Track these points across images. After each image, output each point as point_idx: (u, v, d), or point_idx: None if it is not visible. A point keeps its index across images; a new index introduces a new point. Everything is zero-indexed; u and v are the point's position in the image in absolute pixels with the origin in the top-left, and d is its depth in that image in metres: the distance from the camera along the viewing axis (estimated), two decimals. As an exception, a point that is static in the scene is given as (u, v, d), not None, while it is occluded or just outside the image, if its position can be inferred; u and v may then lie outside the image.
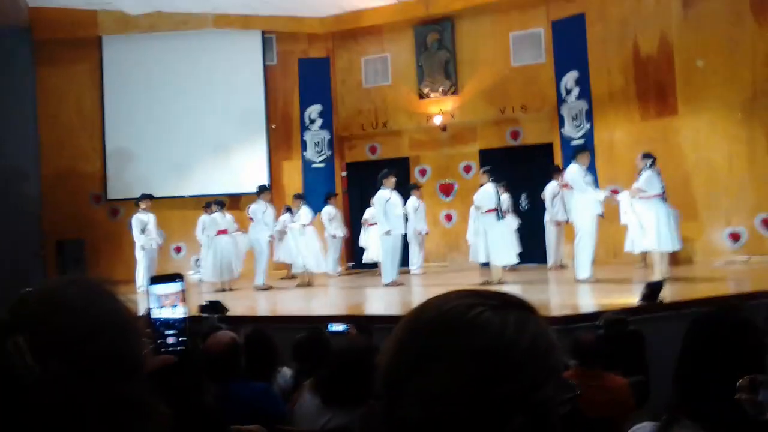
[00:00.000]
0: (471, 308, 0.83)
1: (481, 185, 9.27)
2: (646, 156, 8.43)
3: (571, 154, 9.14)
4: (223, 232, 10.83)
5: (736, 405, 1.54)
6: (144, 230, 11.11)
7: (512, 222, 10.31)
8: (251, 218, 10.65)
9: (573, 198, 8.61)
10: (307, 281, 10.57)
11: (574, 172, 8.51)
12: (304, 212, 10.98)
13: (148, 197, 11.34)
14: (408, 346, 0.83)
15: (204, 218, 11.31)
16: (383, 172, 9.93)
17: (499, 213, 9.07)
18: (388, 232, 9.50)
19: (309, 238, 10.69)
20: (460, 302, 0.85)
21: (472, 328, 0.81)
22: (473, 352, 0.80)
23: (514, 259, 9.42)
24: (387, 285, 9.45)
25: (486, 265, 9.51)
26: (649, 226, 8.10)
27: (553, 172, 10.83)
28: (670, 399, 1.70)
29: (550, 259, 11.03)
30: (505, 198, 10.81)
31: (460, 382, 0.79)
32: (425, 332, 0.83)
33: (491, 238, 9.02)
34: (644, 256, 9.33)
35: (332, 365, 3.11)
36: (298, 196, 11.43)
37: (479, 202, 9.21)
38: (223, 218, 10.95)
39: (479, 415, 0.78)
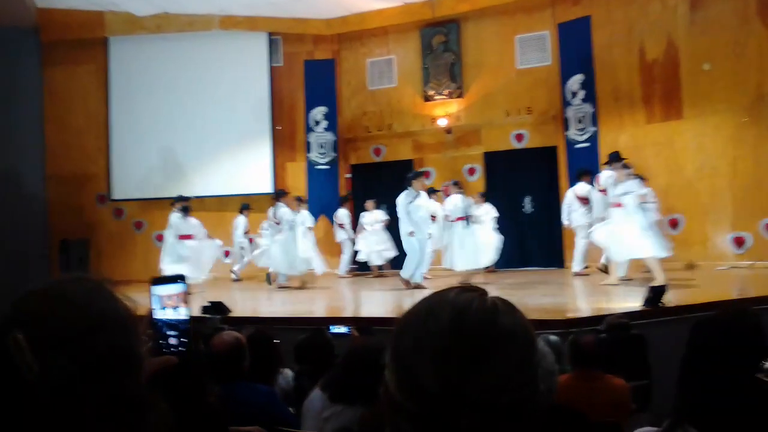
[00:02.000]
0: (483, 297, 0.88)
1: (447, 196, 9.83)
2: (627, 165, 8.51)
3: (610, 159, 8.83)
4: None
5: (738, 410, 1.53)
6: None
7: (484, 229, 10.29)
8: (278, 222, 10.41)
9: (597, 204, 8.84)
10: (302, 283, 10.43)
11: (606, 177, 8.61)
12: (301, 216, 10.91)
13: (185, 199, 11.32)
14: (450, 351, 0.84)
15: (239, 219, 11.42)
16: (413, 173, 9.80)
17: (468, 221, 9.62)
18: (411, 233, 9.35)
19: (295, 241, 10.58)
20: (469, 295, 0.88)
21: (500, 315, 0.86)
22: (511, 336, 0.85)
23: (480, 264, 9.83)
24: (403, 280, 9.37)
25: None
26: (639, 233, 8.17)
27: (581, 174, 10.35)
28: (672, 403, 1.70)
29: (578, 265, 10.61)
30: (489, 208, 11.23)
31: (512, 366, 0.83)
32: (462, 332, 0.84)
33: (467, 245, 9.50)
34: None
35: (345, 364, 3.11)
36: (299, 199, 11.35)
37: (451, 212, 9.67)
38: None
39: (527, 391, 0.84)
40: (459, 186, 9.92)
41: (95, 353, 0.81)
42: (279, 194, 10.82)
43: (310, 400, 3.14)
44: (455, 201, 9.69)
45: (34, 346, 0.77)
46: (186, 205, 10.90)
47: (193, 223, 10.87)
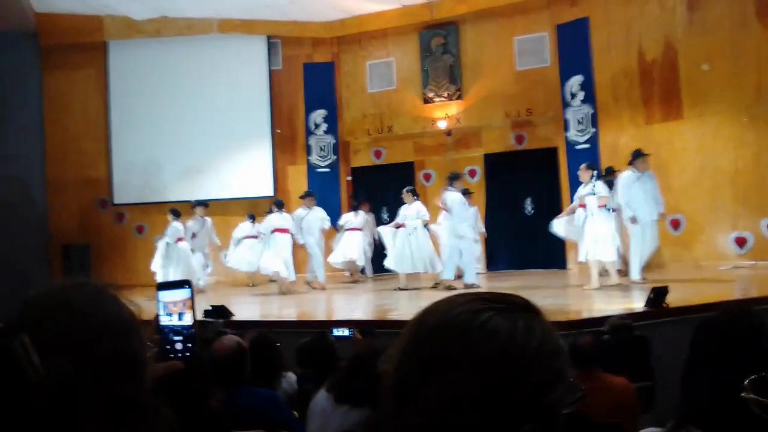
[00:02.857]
0: (478, 313, 0.83)
1: (405, 203, 9.84)
2: (591, 167, 8.52)
3: (633, 156, 8.75)
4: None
5: (742, 411, 1.53)
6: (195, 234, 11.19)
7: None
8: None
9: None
10: (285, 289, 10.27)
11: (624, 177, 8.57)
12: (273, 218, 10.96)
13: (204, 204, 11.39)
14: (414, 352, 0.83)
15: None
16: (455, 173, 9.78)
17: (425, 225, 9.74)
18: (461, 237, 9.22)
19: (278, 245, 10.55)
20: (466, 307, 0.84)
21: (481, 334, 0.81)
22: (483, 359, 0.79)
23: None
24: (444, 281, 9.26)
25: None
26: (609, 236, 8.23)
27: (606, 173, 10.08)
28: (675, 404, 1.69)
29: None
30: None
31: (470, 389, 0.78)
32: (432, 338, 0.82)
33: (424, 249, 9.55)
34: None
35: (350, 366, 3.11)
36: (277, 204, 11.33)
37: (410, 218, 9.70)
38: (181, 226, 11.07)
39: (488, 422, 0.78)
40: (414, 192, 9.98)
41: (99, 358, 0.81)
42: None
43: (315, 401, 3.14)
44: (416, 206, 9.74)
45: (39, 349, 0.77)
46: (175, 208, 11.12)
47: (185, 226, 11.04)
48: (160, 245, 11.04)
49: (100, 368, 0.81)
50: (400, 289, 9.62)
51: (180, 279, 1.18)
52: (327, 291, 10.39)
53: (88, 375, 0.79)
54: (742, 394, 1.46)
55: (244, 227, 12.19)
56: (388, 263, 9.94)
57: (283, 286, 10.17)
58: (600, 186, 8.43)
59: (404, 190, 10.01)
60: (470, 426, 0.78)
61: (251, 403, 3.10)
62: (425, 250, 9.60)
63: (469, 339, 0.81)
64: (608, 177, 10.04)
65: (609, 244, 8.24)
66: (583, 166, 8.69)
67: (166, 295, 1.13)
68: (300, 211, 10.86)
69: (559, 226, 8.99)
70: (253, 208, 12.50)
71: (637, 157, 8.62)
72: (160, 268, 10.84)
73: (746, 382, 1.47)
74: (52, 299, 0.86)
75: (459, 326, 0.82)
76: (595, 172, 8.53)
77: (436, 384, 0.79)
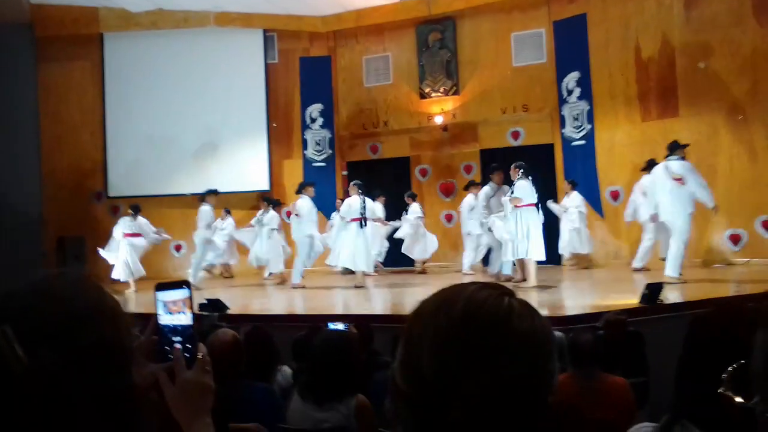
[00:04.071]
0: (499, 298, 0.87)
1: (348, 196, 9.99)
2: (519, 166, 8.53)
3: (672, 147, 8.27)
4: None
5: (736, 407, 1.53)
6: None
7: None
8: (297, 214, 10.36)
9: (671, 194, 8.11)
10: (280, 280, 10.83)
11: (689, 166, 8.04)
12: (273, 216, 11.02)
13: (215, 193, 11.30)
14: (448, 347, 0.84)
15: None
16: (493, 165, 9.84)
17: (362, 222, 9.78)
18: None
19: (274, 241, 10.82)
20: (484, 293, 0.88)
21: (513, 317, 0.85)
22: (522, 340, 0.84)
23: (370, 267, 10.11)
24: (493, 276, 9.62)
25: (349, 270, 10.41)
26: (533, 235, 8.25)
27: (649, 166, 9.69)
28: (670, 400, 1.70)
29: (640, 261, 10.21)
30: (416, 208, 11.70)
31: (519, 370, 0.82)
32: (465, 329, 0.84)
33: (356, 246, 9.69)
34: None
35: (313, 362, 3.11)
36: (266, 200, 11.36)
37: (344, 213, 9.89)
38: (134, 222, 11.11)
39: (531, 396, 0.83)
40: (359, 187, 9.95)
41: (82, 346, 0.81)
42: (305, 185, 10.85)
43: (291, 412, 3.10)
44: (354, 201, 9.79)
45: (21, 339, 0.77)
46: (136, 204, 11.26)
47: (141, 223, 11.16)
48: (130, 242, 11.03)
49: (85, 356, 0.80)
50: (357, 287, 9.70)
51: (180, 280, 1.17)
52: (326, 287, 10.36)
53: (71, 364, 0.79)
54: (720, 390, 1.46)
55: (223, 224, 12.33)
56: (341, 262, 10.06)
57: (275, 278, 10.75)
58: (516, 187, 8.44)
59: (351, 183, 10.16)
60: (515, 404, 0.82)
61: (247, 396, 3.10)
62: (352, 246, 9.74)
63: (505, 323, 0.84)
64: (649, 170, 9.82)
65: (539, 244, 8.29)
66: (513, 165, 8.71)
67: (164, 295, 1.13)
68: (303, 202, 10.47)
69: (496, 227, 9.00)
70: (242, 203, 12.52)
71: (676, 148, 8.17)
72: (124, 264, 10.87)
73: (724, 375, 1.47)
74: (32, 290, 0.85)
75: (490, 312, 0.85)
76: (521, 171, 8.51)
77: (480, 373, 0.81)
